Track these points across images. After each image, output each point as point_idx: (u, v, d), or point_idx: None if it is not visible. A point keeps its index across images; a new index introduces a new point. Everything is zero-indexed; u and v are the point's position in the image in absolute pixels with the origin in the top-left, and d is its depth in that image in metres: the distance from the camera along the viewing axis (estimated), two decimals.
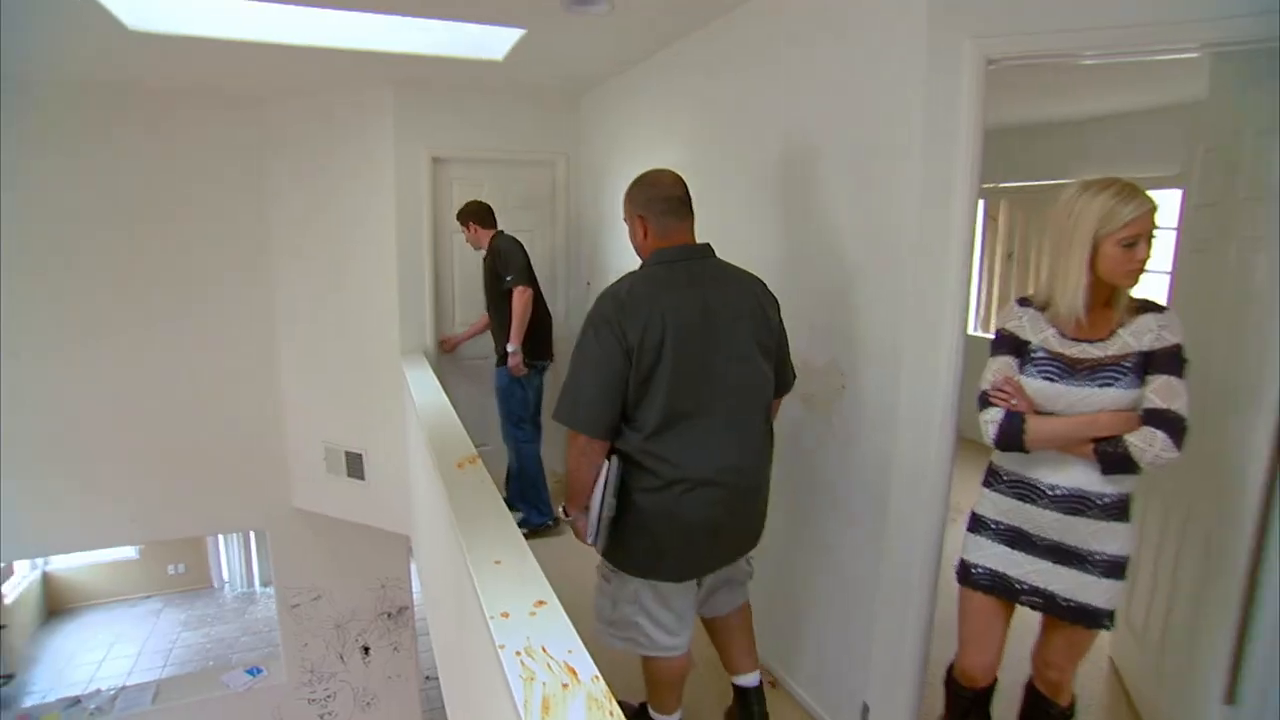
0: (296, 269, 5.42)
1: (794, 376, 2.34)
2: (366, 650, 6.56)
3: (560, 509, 2.26)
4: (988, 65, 2.15)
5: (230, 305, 5.41)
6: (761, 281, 2.24)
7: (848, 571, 2.66)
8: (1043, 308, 1.98)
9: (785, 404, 2.62)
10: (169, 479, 5.40)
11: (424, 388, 3.97)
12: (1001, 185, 6.34)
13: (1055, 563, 1.98)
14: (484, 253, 4.48)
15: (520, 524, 4.46)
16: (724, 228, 2.78)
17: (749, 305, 2.14)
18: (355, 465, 5.44)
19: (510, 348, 4.22)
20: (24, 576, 9.92)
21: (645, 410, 2.03)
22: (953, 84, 2.18)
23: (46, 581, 10.41)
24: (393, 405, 5.07)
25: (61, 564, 10.47)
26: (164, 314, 5.27)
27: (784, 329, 2.27)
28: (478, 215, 4.45)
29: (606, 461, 2.07)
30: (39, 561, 10.17)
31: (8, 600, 9.24)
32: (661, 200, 2.16)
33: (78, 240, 5.04)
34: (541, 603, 1.64)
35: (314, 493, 5.70)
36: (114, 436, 5.27)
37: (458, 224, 4.53)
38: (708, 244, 2.19)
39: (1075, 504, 1.92)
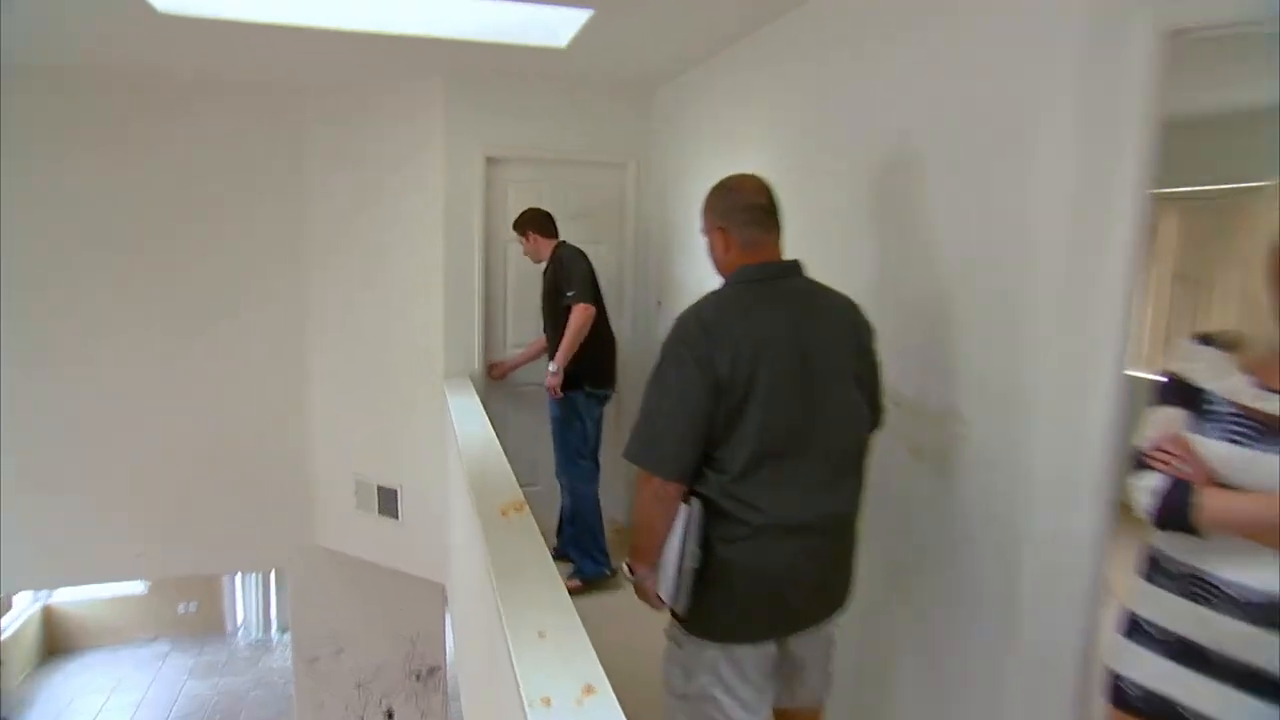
0: (331, 280, 5.52)
1: (884, 413, 2.33)
2: (390, 715, 6.60)
3: (624, 565, 2.21)
4: (1167, 37, 2.00)
5: (257, 319, 5.52)
6: (855, 304, 2.25)
7: (958, 664, 2.54)
8: (1230, 348, 1.73)
9: (887, 452, 2.59)
10: (182, 509, 5.50)
11: (468, 418, 4.00)
12: (1170, 191, 5.97)
13: (1240, 689, 1.67)
14: (543, 265, 4.50)
15: (572, 574, 4.46)
16: (811, 242, 2.74)
17: (844, 331, 2.16)
18: (388, 502, 5.48)
19: (551, 367, 4.22)
20: (22, 610, 10.20)
21: (732, 449, 2.03)
22: (1119, 63, 2.06)
23: (47, 616, 10.71)
24: (433, 436, 5.09)
25: (64, 597, 10.73)
26: (183, 327, 5.39)
27: (877, 359, 2.27)
28: (537, 223, 4.48)
29: (685, 506, 2.06)
30: (40, 593, 10.40)
31: (4, 635, 9.50)
32: (745, 210, 2.17)
33: (89, 246, 5.19)
34: (591, 689, 1.59)
35: (341, 530, 5.76)
36: (124, 460, 5.38)
37: (514, 233, 4.56)
38: (797, 260, 2.19)
39: (1270, 614, 1.63)
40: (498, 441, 3.54)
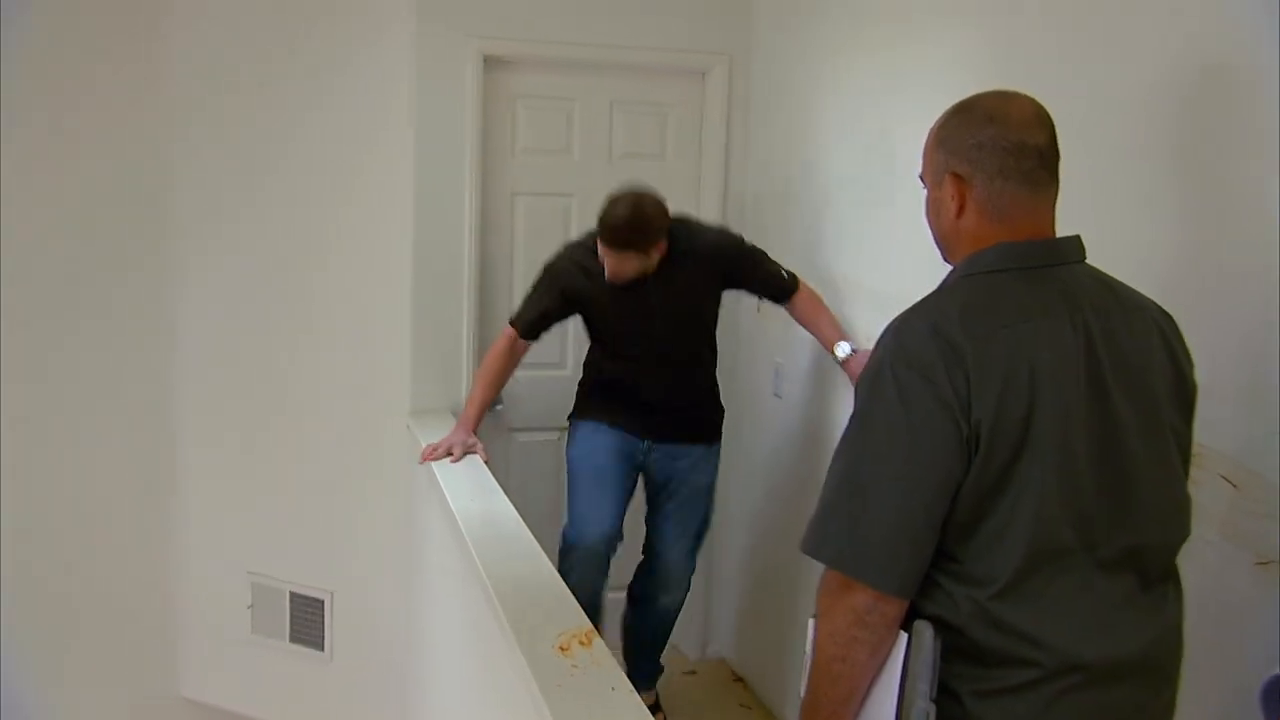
0: (215, 268, 4.71)
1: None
2: None
3: None
4: None
5: (84, 351, 4.71)
6: (1164, 311, 2.00)
7: None
8: None
9: (1201, 552, 2.33)
10: None
11: (467, 484, 3.56)
12: None
13: None
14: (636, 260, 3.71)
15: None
16: (1067, 212, 2.18)
17: (1160, 356, 1.91)
18: (308, 621, 4.73)
19: (844, 346, 3.67)
20: None
21: (994, 544, 1.76)
22: None
23: None
24: (391, 513, 4.50)
25: None
26: None
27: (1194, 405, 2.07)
28: (666, 223, 3.68)
29: (905, 634, 1.79)
30: None
31: None
32: (1008, 150, 1.86)
33: None
34: None
35: (223, 672, 4.97)
36: None
37: (622, 248, 3.60)
38: (1077, 236, 1.94)
39: None
40: (525, 528, 3.20)
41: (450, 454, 3.48)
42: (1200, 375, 2.08)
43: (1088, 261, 1.98)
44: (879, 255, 3.67)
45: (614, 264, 3.63)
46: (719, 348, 4.03)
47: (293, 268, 4.63)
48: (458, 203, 4.36)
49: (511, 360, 3.77)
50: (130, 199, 4.74)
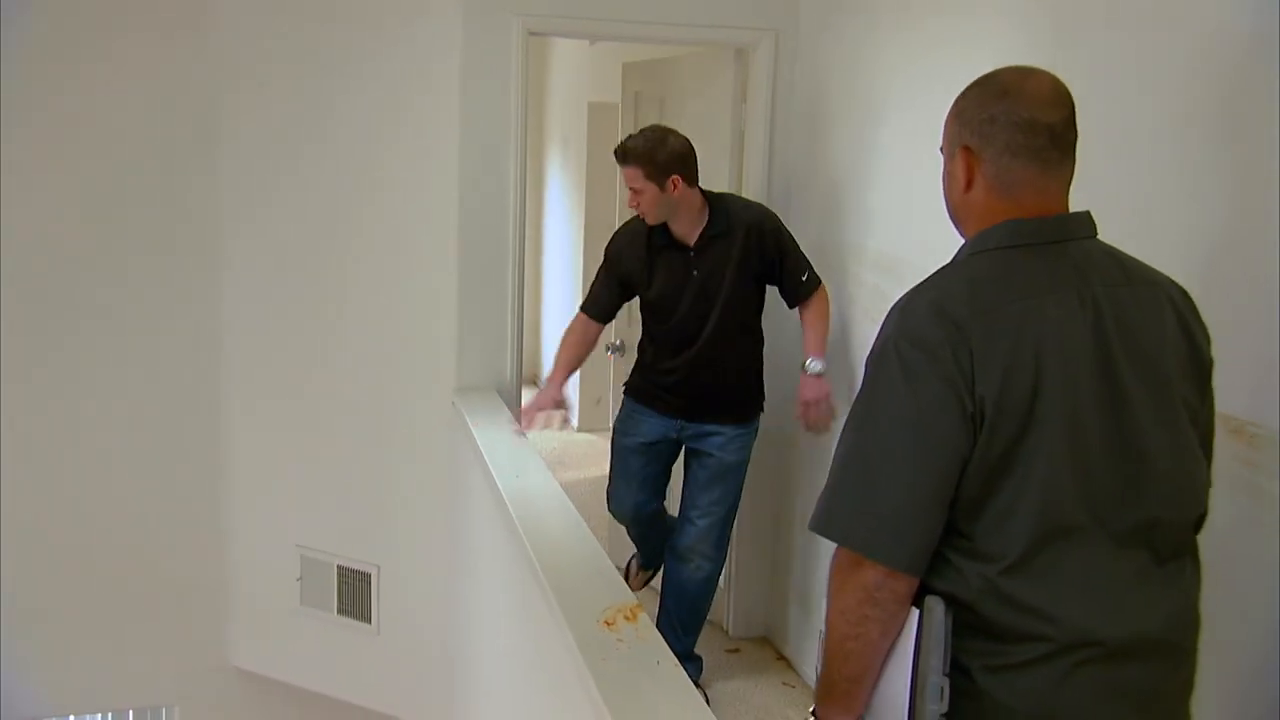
0: (260, 242, 4.76)
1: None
2: None
3: (810, 717, 1.99)
4: None
5: (135, 333, 4.78)
6: (1182, 289, 1.98)
7: None
8: None
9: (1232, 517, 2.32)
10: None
11: (513, 460, 3.57)
12: None
13: None
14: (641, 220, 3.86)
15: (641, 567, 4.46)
16: (1093, 185, 2.20)
17: (1172, 332, 1.90)
18: (357, 594, 4.78)
19: (816, 363, 3.85)
20: None
21: (1001, 521, 1.77)
22: None
23: None
24: (434, 492, 4.54)
25: None
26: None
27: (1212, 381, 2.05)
28: (689, 164, 3.78)
29: (917, 611, 1.80)
30: None
31: None
32: (1020, 126, 1.84)
33: None
34: None
35: (274, 643, 5.05)
36: None
37: (633, 169, 3.72)
38: (1087, 212, 1.91)
39: None
40: (570, 504, 3.21)
41: (541, 410, 3.77)
42: (1250, 348, 2.12)
43: (1099, 238, 1.97)
44: (928, 237, 3.55)
45: (631, 194, 3.72)
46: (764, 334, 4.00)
47: (338, 243, 4.65)
48: (503, 179, 4.32)
49: (583, 342, 3.93)
50: (177, 171, 4.78)
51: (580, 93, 7.45)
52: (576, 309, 4.31)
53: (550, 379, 3.79)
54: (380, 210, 4.49)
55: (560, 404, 3.76)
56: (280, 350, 4.79)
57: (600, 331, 4.01)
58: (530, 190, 4.49)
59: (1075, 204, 1.94)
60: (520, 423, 3.71)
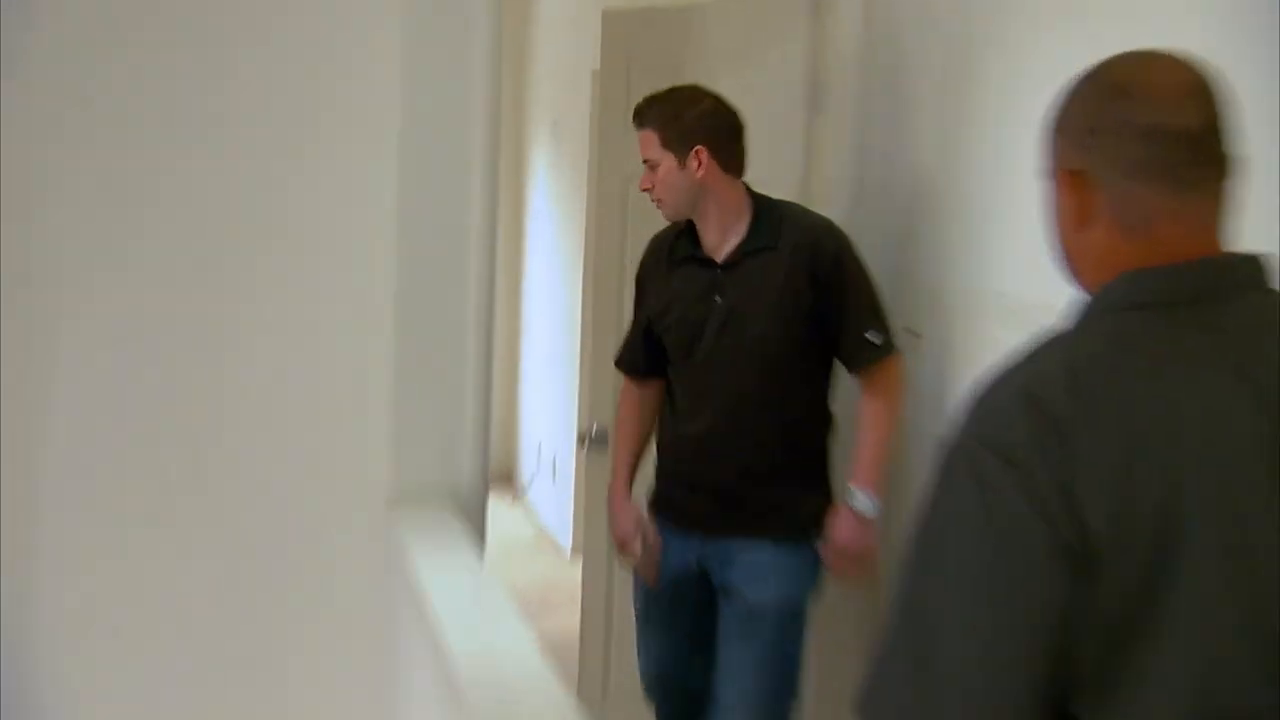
0: (97, 291, 3.63)
1: None
2: None
3: None
4: None
5: None
6: None
7: None
8: None
9: None
10: None
11: (466, 610, 2.64)
12: None
13: None
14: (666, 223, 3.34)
15: None
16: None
17: None
18: None
19: (863, 498, 3.05)
20: None
21: (1140, 705, 1.46)
22: None
23: None
24: (352, 680, 3.46)
25: None
26: None
27: None
28: (719, 135, 3.17)
29: None
30: None
31: None
32: (1140, 135, 1.53)
33: None
34: None
35: None
36: None
37: (659, 136, 3.12)
38: (1255, 255, 1.57)
39: None
40: (551, 674, 2.31)
41: (628, 538, 3.03)
42: None
43: (1270, 287, 1.66)
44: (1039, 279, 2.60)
45: (645, 171, 3.16)
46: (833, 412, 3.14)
47: (204, 304, 3.39)
48: (462, 186, 3.42)
49: (637, 417, 3.24)
50: None
51: (580, 58, 5.82)
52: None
53: (612, 490, 3.12)
54: (274, 243, 3.36)
55: (639, 519, 3.06)
56: (114, 453, 3.43)
57: (657, 391, 3.22)
58: (506, 198, 3.78)
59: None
60: (621, 564, 3.19)
